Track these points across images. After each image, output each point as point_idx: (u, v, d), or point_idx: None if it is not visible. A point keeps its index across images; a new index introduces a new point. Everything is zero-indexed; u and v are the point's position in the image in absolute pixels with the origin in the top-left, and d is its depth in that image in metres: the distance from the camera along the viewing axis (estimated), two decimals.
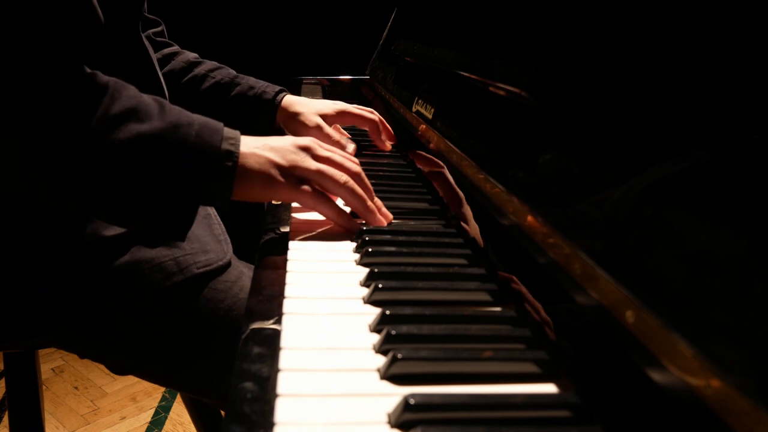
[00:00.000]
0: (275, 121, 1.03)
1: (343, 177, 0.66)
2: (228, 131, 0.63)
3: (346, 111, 1.03)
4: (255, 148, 0.63)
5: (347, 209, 0.69)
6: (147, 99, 0.61)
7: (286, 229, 0.68)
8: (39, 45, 0.57)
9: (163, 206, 0.60)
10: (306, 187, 0.65)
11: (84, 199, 0.61)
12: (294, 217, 0.74)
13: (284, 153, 0.65)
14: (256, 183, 0.63)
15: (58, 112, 0.56)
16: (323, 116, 1.01)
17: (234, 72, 1.08)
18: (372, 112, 1.05)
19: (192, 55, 1.08)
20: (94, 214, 0.71)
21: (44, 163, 0.58)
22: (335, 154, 0.69)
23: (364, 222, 0.68)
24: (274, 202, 0.75)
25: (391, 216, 0.70)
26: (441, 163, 0.80)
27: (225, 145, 0.61)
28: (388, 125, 1.06)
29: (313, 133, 0.98)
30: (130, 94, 0.60)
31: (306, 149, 0.66)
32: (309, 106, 1.02)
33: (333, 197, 0.68)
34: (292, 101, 1.04)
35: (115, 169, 0.58)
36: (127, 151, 0.57)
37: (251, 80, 1.06)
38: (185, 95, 1.03)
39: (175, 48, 1.08)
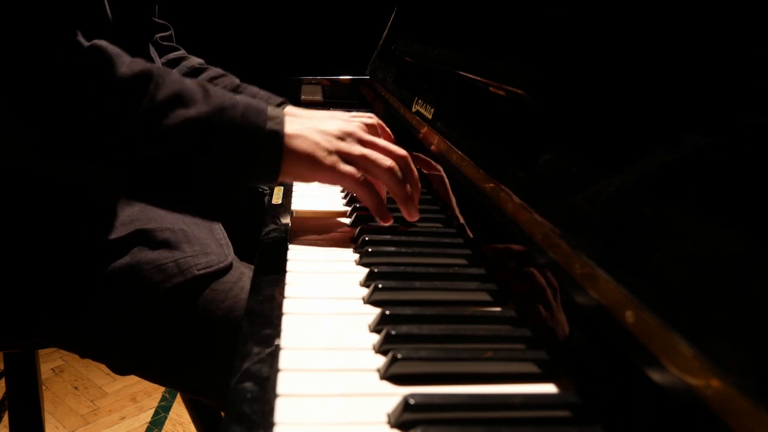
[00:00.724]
0: None
1: (387, 162, 0.66)
2: (272, 111, 0.63)
3: None
4: (302, 129, 0.64)
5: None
6: (190, 83, 0.61)
7: (287, 228, 0.68)
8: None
9: (210, 189, 0.60)
10: (349, 171, 0.65)
11: (130, 183, 0.62)
12: (294, 217, 0.74)
13: (330, 138, 0.65)
14: (302, 164, 0.63)
15: (107, 101, 0.57)
16: None
17: (238, 80, 1.08)
18: (370, 117, 1.05)
19: (197, 61, 1.08)
20: (139, 199, 0.71)
21: (93, 152, 0.58)
22: (381, 139, 0.69)
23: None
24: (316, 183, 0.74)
25: (417, 215, 0.69)
26: (441, 164, 0.80)
27: (270, 125, 0.62)
28: (387, 128, 1.06)
29: None
30: (174, 79, 0.60)
31: (352, 135, 0.67)
32: None
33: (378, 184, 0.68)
34: (292, 113, 1.03)
35: (162, 154, 0.58)
36: (174, 136, 0.58)
37: (254, 89, 1.06)
38: None
39: (182, 53, 1.08)
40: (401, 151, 0.68)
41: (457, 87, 0.82)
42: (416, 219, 0.69)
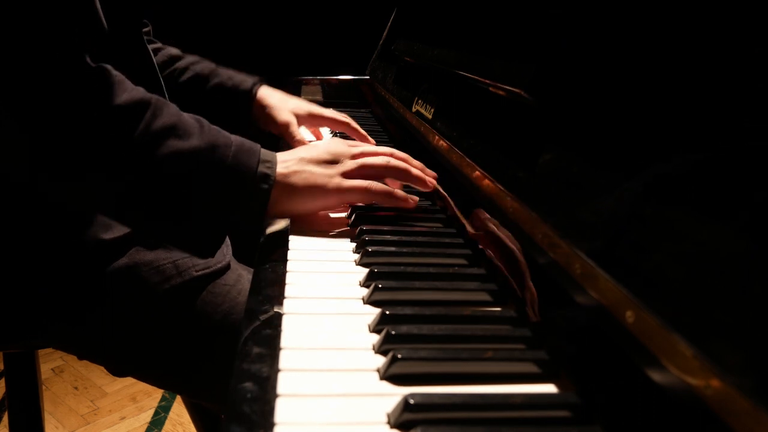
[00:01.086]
0: (251, 111, 1.04)
1: (382, 160, 0.69)
2: (265, 153, 0.64)
3: (318, 114, 1.04)
4: (294, 164, 0.65)
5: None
6: (187, 117, 0.62)
7: (286, 228, 0.68)
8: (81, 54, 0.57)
9: (194, 223, 0.61)
10: (355, 185, 0.66)
11: (118, 208, 0.62)
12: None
13: (323, 164, 0.66)
14: (307, 195, 0.65)
15: (105, 123, 0.57)
16: (295, 116, 1.02)
17: (214, 65, 1.09)
18: (345, 117, 1.06)
19: (174, 50, 1.10)
20: (125, 224, 0.72)
21: (84, 169, 0.58)
22: (365, 146, 0.72)
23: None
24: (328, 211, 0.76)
25: (433, 173, 0.73)
26: (441, 163, 0.80)
27: (261, 168, 0.62)
28: (359, 127, 1.07)
29: (281, 129, 1.00)
30: (172, 111, 0.61)
31: (340, 153, 0.68)
32: (283, 102, 1.04)
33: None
34: (266, 94, 1.05)
35: (151, 182, 0.59)
36: (165, 166, 0.58)
37: (230, 72, 1.07)
38: (166, 88, 1.04)
39: (158, 44, 1.10)
40: (386, 148, 0.72)
41: (457, 87, 0.82)
42: (432, 188, 0.72)
